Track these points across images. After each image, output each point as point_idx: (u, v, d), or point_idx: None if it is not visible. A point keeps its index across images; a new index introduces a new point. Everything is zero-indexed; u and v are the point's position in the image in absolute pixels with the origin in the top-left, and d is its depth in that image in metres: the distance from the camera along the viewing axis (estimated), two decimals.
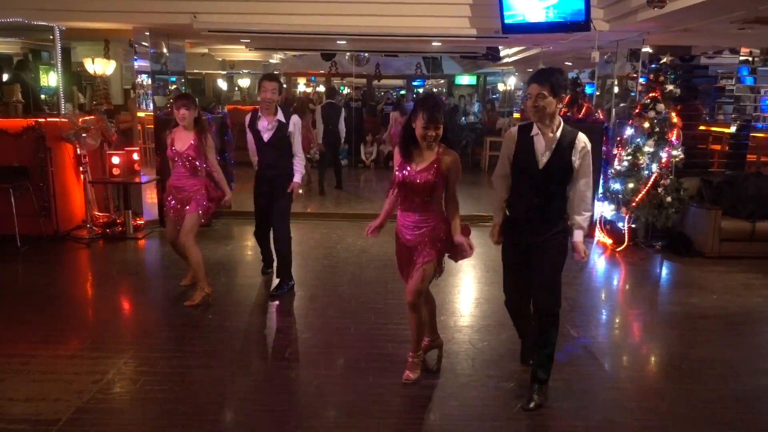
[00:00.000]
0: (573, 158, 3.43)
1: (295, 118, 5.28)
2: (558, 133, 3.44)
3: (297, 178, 5.35)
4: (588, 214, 3.59)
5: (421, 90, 19.38)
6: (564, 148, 3.43)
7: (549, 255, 3.50)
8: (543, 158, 3.44)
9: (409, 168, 3.57)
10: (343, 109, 10.37)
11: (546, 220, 3.50)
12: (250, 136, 5.30)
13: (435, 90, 20.69)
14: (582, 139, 3.46)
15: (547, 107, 3.36)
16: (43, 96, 9.43)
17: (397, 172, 3.64)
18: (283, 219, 5.35)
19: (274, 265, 5.54)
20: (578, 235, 3.56)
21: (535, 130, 3.46)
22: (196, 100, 5.25)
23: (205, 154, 5.06)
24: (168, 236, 5.32)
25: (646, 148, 6.81)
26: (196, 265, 5.05)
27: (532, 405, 3.52)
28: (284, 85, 5.33)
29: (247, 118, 5.32)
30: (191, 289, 5.21)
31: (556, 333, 3.58)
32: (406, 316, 3.81)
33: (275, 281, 5.45)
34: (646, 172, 6.83)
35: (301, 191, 5.18)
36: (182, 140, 5.03)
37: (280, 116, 5.17)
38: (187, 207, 5.01)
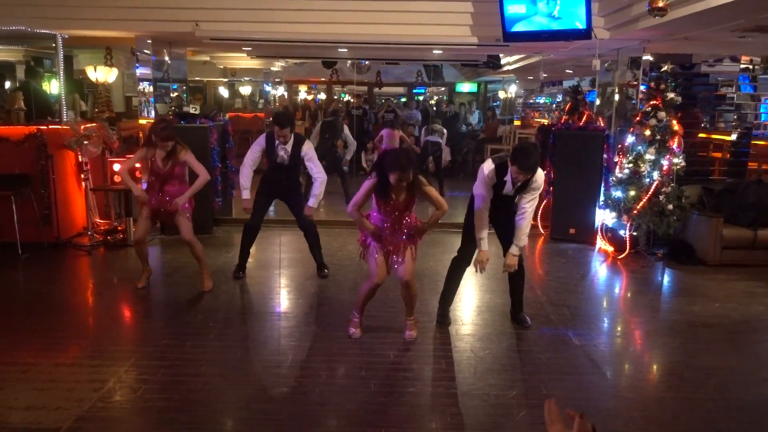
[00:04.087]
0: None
1: (306, 145, 5.62)
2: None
3: (312, 202, 5.64)
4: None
5: (421, 98, 19.29)
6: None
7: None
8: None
9: (392, 201, 4.25)
10: (345, 126, 10.00)
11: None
12: (256, 152, 5.62)
13: (429, 99, 20.35)
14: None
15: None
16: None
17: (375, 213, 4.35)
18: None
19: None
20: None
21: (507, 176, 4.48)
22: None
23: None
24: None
25: (647, 156, 6.80)
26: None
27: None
28: (296, 123, 6.21)
29: (264, 138, 5.64)
30: (190, 297, 5.18)
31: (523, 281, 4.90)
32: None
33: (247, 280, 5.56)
34: (647, 179, 6.83)
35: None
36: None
37: (293, 143, 5.58)
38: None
